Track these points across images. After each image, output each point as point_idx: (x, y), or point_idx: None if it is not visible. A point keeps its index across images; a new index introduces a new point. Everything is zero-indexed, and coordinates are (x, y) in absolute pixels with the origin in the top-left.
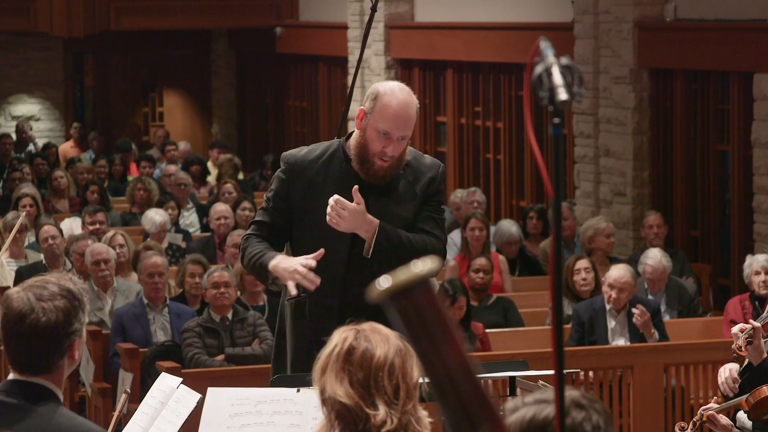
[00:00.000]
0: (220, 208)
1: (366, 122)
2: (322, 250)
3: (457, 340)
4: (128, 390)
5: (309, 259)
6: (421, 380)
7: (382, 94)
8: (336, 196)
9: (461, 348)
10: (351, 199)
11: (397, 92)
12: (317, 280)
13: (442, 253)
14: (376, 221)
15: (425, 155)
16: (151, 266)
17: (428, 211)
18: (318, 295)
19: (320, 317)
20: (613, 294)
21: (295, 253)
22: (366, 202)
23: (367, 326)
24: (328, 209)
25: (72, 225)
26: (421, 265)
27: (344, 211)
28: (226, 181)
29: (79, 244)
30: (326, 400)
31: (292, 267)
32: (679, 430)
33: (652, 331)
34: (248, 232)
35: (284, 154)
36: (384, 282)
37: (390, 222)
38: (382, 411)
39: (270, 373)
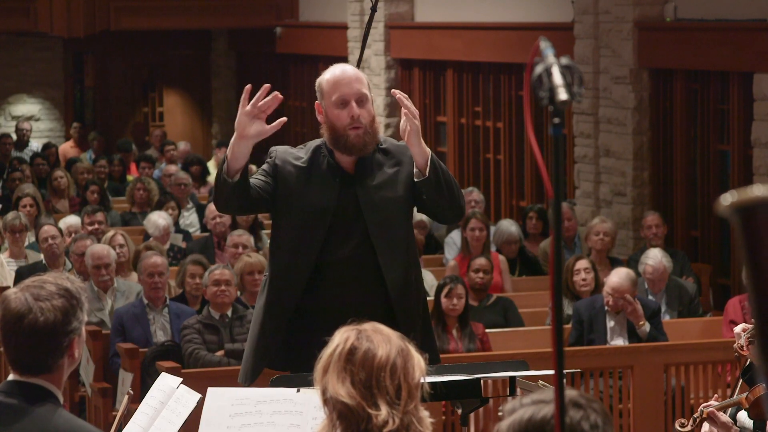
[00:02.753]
0: (214, 207)
1: (324, 108)
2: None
3: None
4: (131, 391)
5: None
6: (422, 380)
7: (321, 79)
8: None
9: None
10: (337, 196)
11: (334, 67)
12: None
13: (463, 196)
14: (427, 148)
15: (396, 141)
16: (151, 266)
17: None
18: (292, 265)
19: (288, 291)
20: (610, 300)
21: (276, 241)
22: (355, 192)
23: (369, 326)
24: (406, 114)
25: (70, 221)
26: (763, 189)
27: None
28: None
29: (78, 244)
30: (328, 400)
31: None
32: (680, 426)
33: (642, 322)
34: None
35: (272, 148)
36: (728, 197)
37: (386, 206)
38: (383, 411)
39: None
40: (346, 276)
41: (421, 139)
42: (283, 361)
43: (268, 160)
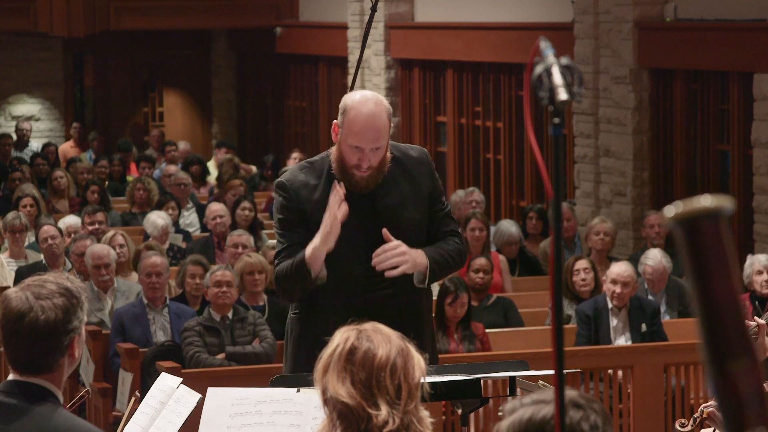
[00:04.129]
0: (215, 207)
1: (340, 136)
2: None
3: (733, 277)
4: (138, 393)
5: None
6: (422, 380)
7: (350, 107)
8: (384, 231)
9: (735, 286)
10: (356, 221)
11: (363, 105)
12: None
13: (465, 253)
14: (423, 256)
15: (409, 146)
16: (150, 266)
17: (440, 210)
18: (339, 299)
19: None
20: (617, 289)
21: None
22: (371, 210)
23: (369, 326)
24: (381, 257)
25: (70, 221)
26: (707, 200)
27: (402, 252)
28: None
29: (78, 244)
30: (328, 400)
31: (325, 223)
32: (680, 426)
33: None
34: (276, 261)
35: (278, 180)
36: (672, 209)
37: (407, 227)
38: (384, 411)
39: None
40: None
41: (416, 262)
42: None
43: (284, 200)
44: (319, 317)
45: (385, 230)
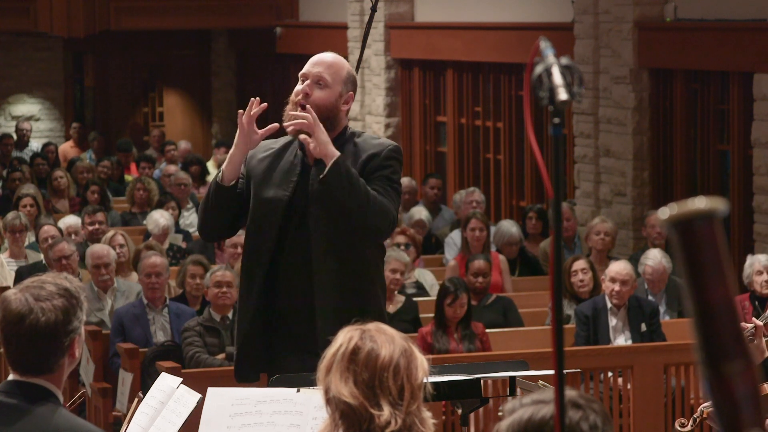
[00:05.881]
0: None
1: None
2: (275, 126)
3: (727, 279)
4: (141, 394)
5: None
6: (425, 381)
7: None
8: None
9: (730, 288)
10: (293, 187)
11: (323, 52)
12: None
13: (388, 212)
14: (334, 149)
15: (379, 138)
16: (149, 266)
17: (376, 183)
18: (250, 266)
19: (249, 294)
20: (616, 287)
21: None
22: (308, 176)
23: (373, 326)
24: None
25: (70, 221)
26: (702, 201)
27: (312, 119)
28: None
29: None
30: (330, 400)
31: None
32: (679, 426)
33: None
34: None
35: None
36: (667, 211)
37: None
38: (386, 411)
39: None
40: (292, 274)
41: (325, 142)
42: (259, 365)
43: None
44: (242, 280)
45: (308, 107)
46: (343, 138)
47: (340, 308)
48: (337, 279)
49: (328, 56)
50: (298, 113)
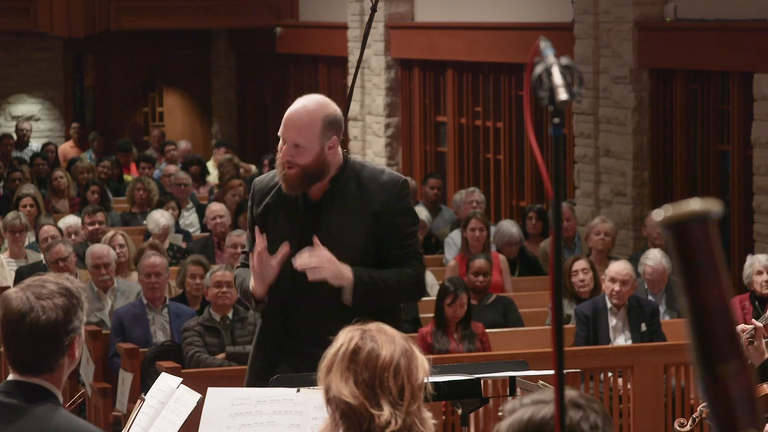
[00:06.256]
0: (215, 207)
1: None
2: (286, 247)
3: (722, 280)
4: (144, 396)
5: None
6: (425, 381)
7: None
8: (314, 237)
9: (725, 289)
10: (300, 226)
11: (300, 101)
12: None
13: (419, 283)
14: (349, 271)
15: (387, 172)
16: (149, 266)
17: (397, 249)
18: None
19: (270, 328)
20: (615, 287)
21: None
22: (316, 222)
23: (374, 326)
24: (306, 257)
25: (70, 221)
26: (696, 203)
27: (326, 260)
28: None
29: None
30: (331, 400)
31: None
32: (679, 426)
33: None
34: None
35: (255, 180)
36: (662, 212)
37: (341, 243)
38: (386, 411)
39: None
40: (304, 310)
41: (340, 275)
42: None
43: (250, 204)
44: (265, 317)
45: (315, 238)
46: (343, 177)
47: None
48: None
49: (300, 115)
50: (311, 262)
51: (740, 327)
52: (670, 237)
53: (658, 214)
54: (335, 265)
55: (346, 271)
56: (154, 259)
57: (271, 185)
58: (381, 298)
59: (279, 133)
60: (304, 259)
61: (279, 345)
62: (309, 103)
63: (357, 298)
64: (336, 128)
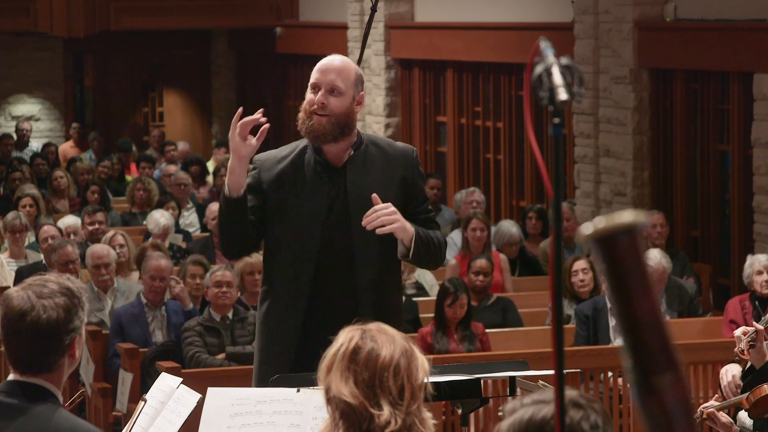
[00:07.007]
0: (215, 207)
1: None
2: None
3: (652, 292)
4: (145, 397)
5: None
6: (425, 381)
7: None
8: (374, 195)
9: (655, 301)
10: (327, 193)
11: (330, 55)
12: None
13: (445, 247)
14: (411, 226)
15: (398, 141)
16: (155, 269)
17: (422, 213)
18: (288, 289)
19: (290, 311)
20: None
21: (273, 250)
22: (345, 186)
23: (374, 326)
24: (372, 216)
25: (70, 221)
26: (628, 215)
27: (393, 212)
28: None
29: (60, 252)
30: (331, 400)
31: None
32: None
33: None
34: None
35: (255, 157)
36: (589, 227)
37: (372, 205)
38: (386, 411)
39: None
40: (330, 276)
41: (405, 227)
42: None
43: (252, 173)
44: (273, 298)
45: (374, 195)
46: (363, 144)
47: (382, 305)
48: (380, 278)
49: (336, 61)
50: (378, 214)
51: (741, 330)
52: (599, 250)
53: (587, 228)
54: (400, 216)
55: (408, 225)
56: (162, 261)
57: (282, 155)
58: (431, 253)
59: (312, 81)
60: (372, 219)
61: (301, 328)
62: (342, 57)
63: (415, 250)
64: (362, 85)
